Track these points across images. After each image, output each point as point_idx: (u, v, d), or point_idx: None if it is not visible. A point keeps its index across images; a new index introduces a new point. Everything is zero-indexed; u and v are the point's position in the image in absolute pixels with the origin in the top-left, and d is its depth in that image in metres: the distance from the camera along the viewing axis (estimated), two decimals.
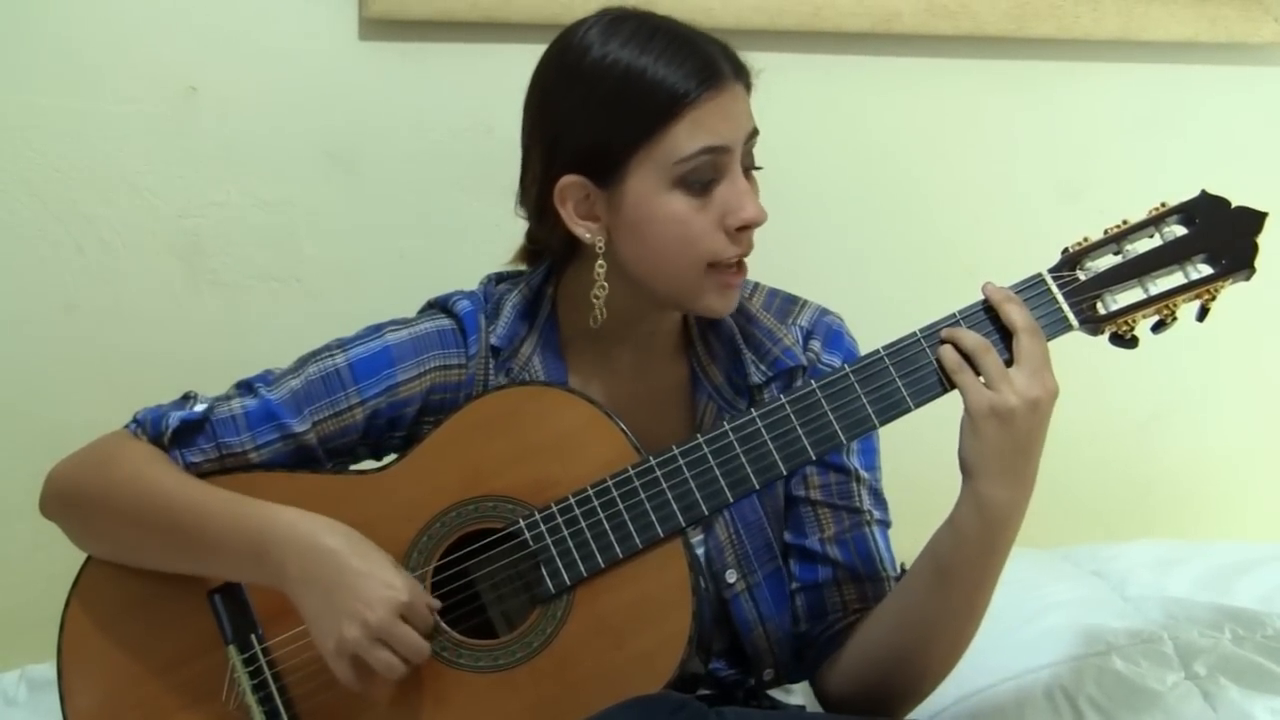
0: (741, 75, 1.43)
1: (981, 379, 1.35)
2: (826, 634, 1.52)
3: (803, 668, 1.56)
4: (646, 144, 1.38)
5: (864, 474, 1.54)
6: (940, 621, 1.43)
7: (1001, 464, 1.35)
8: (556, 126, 1.43)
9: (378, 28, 1.97)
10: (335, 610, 1.35)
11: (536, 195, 1.45)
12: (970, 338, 1.37)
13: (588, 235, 1.42)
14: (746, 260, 1.44)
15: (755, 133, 1.44)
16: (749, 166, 1.44)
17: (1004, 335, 1.38)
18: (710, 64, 1.39)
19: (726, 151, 1.39)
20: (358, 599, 1.34)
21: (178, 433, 1.46)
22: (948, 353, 1.37)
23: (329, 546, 1.37)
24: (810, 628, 1.53)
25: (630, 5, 1.45)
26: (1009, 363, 1.36)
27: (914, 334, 1.40)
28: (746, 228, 1.41)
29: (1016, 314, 1.37)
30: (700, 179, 1.39)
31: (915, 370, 1.39)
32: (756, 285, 1.57)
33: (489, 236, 1.86)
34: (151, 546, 1.44)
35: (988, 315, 1.39)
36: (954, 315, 1.40)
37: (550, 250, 1.51)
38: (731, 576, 1.51)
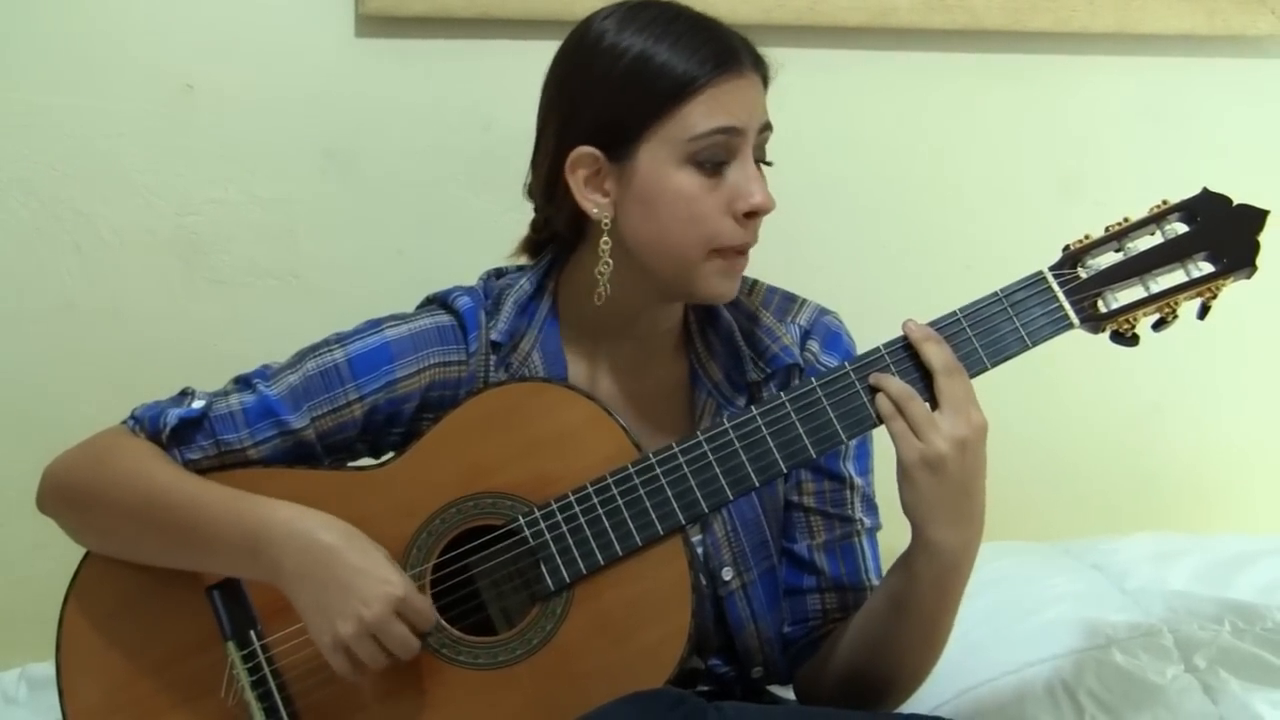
0: (760, 67, 1.44)
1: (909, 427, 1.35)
2: (807, 639, 1.54)
3: (786, 664, 1.57)
4: (661, 120, 1.38)
5: (858, 480, 1.55)
6: (900, 648, 1.44)
7: (944, 509, 1.35)
8: (572, 101, 1.44)
9: (374, 25, 1.97)
10: (331, 606, 1.35)
11: (548, 170, 1.45)
12: (896, 386, 1.36)
13: (595, 210, 1.43)
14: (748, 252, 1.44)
15: (769, 127, 1.44)
16: (760, 160, 1.44)
17: (926, 374, 1.37)
18: (730, 49, 1.41)
19: (740, 134, 1.40)
20: (354, 595, 1.34)
21: (176, 431, 1.46)
22: (882, 400, 1.36)
23: (325, 542, 1.37)
24: (793, 630, 1.54)
25: None
26: (934, 404, 1.36)
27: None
28: (754, 214, 1.41)
29: (935, 354, 1.36)
30: (712, 159, 1.39)
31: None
32: (755, 283, 1.57)
33: (486, 232, 1.86)
34: (148, 541, 1.44)
35: (908, 354, 1.38)
36: (879, 350, 1.39)
37: (555, 236, 1.51)
38: (728, 574, 1.51)
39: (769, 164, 1.46)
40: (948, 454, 1.33)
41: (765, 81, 1.46)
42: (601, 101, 1.41)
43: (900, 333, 1.39)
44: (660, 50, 1.39)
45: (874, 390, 1.38)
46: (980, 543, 1.38)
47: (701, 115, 1.38)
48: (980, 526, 1.38)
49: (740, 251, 1.44)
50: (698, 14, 1.44)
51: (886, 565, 1.48)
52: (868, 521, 1.55)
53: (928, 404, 1.36)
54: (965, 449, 1.34)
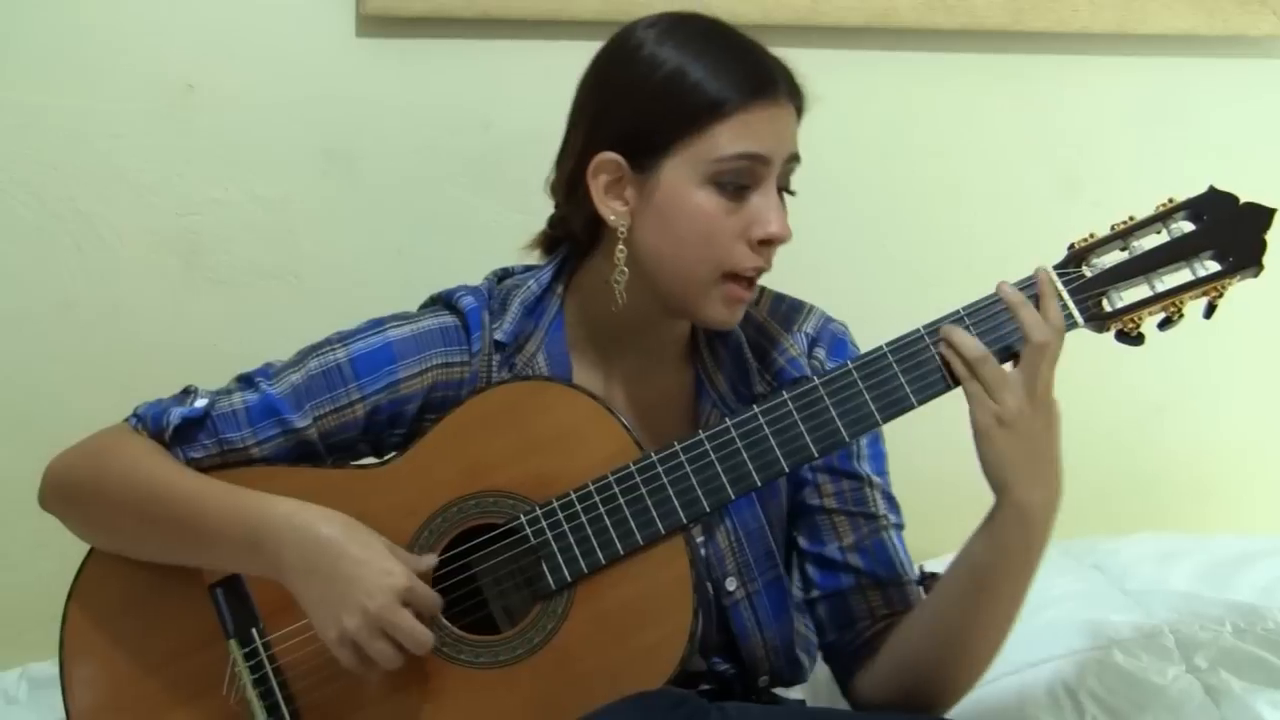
0: (795, 98, 1.43)
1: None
2: (856, 642, 1.51)
3: (835, 676, 1.55)
4: (689, 137, 1.38)
5: (876, 479, 1.54)
6: (980, 629, 1.42)
7: (1025, 468, 1.35)
8: (604, 105, 1.44)
9: (375, 24, 1.97)
10: (336, 599, 1.34)
11: (571, 169, 1.45)
12: (970, 345, 1.36)
13: (613, 217, 1.42)
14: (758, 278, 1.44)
15: (796, 158, 1.44)
16: (783, 188, 1.44)
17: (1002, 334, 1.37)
18: (767, 76, 1.40)
19: (766, 162, 1.39)
20: (357, 587, 1.34)
21: (179, 430, 1.46)
22: (955, 360, 1.36)
23: (326, 535, 1.36)
24: (838, 636, 1.53)
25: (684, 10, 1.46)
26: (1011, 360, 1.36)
27: (918, 330, 1.39)
28: (769, 242, 1.41)
29: (1028, 318, 1.36)
30: (735, 182, 1.39)
31: (919, 367, 1.38)
32: (762, 290, 1.56)
33: (486, 232, 1.86)
34: (150, 537, 1.44)
35: (990, 313, 1.38)
36: (958, 312, 1.39)
37: (570, 236, 1.51)
38: (732, 584, 1.51)
39: (792, 193, 1.46)
40: (1023, 412, 1.33)
41: (799, 112, 1.45)
42: (632, 110, 1.41)
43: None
44: (697, 68, 1.38)
45: (948, 348, 1.37)
46: (1059, 505, 1.37)
47: (729, 139, 1.38)
48: (1059, 490, 1.37)
49: (750, 282, 1.43)
50: (740, 36, 1.44)
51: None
52: (892, 518, 1.54)
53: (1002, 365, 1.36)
54: (1037, 410, 1.34)
